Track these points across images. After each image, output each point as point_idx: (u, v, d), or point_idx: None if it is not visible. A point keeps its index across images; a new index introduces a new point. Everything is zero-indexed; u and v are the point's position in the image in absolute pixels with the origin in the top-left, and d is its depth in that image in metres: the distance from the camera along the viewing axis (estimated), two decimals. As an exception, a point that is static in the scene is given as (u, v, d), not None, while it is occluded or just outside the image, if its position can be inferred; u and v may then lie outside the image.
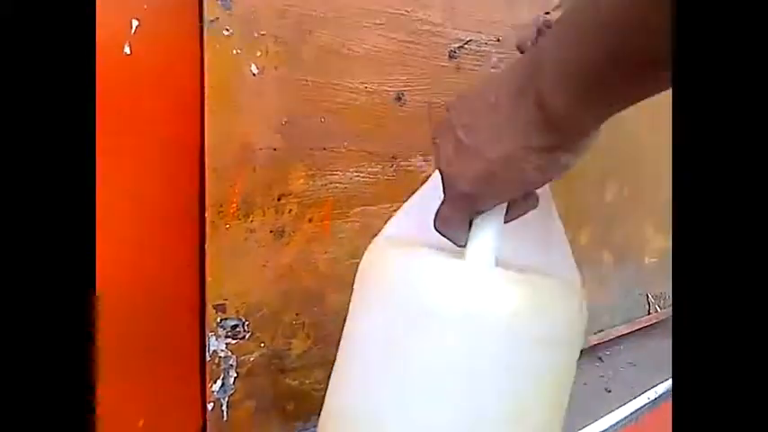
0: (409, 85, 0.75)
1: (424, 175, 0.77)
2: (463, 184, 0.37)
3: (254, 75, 0.61)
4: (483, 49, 0.82)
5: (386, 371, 0.40)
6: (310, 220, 0.67)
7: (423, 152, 0.77)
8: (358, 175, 0.71)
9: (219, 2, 0.57)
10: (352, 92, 0.69)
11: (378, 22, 0.70)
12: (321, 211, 0.68)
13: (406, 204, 0.49)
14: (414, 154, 0.77)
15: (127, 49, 0.54)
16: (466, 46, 0.80)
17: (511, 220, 0.40)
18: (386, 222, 0.50)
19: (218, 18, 0.57)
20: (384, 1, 0.71)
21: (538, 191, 0.40)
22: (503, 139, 0.34)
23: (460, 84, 0.79)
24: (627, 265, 1.18)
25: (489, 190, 0.37)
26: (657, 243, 1.23)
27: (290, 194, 0.65)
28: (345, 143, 0.70)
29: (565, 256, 0.44)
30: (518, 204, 0.40)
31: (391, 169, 0.75)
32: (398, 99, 0.75)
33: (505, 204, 0.39)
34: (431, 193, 0.43)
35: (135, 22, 0.54)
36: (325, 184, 0.68)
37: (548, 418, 0.40)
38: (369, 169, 0.72)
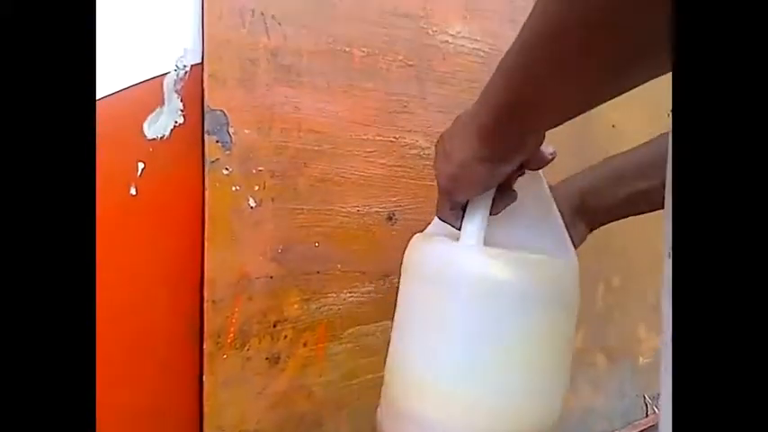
0: (400, 205, 0.79)
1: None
2: (442, 181, 0.48)
3: (251, 207, 0.64)
4: (469, 168, 0.86)
5: (417, 328, 0.52)
6: (305, 345, 0.68)
7: (414, 269, 0.80)
8: (351, 296, 0.73)
9: (220, 143, 0.61)
10: (345, 216, 0.73)
11: (368, 150, 0.75)
12: (315, 334, 0.69)
13: None
14: (405, 271, 0.79)
15: (133, 191, 0.58)
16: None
17: (496, 213, 0.50)
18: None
19: (218, 159, 0.61)
20: (373, 130, 0.75)
21: (534, 182, 0.51)
22: (462, 150, 0.45)
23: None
24: (621, 367, 1.18)
25: (457, 186, 0.47)
26: (651, 342, 1.24)
27: (285, 320, 0.67)
28: (339, 265, 0.72)
29: (558, 239, 0.52)
30: (498, 200, 0.49)
31: (384, 287, 0.77)
32: (390, 219, 0.78)
33: (491, 197, 0.49)
34: None
35: (141, 165, 0.58)
36: (319, 307, 0.70)
37: (537, 363, 0.49)
38: (362, 289, 0.74)
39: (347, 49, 0.71)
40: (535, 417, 0.50)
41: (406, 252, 0.55)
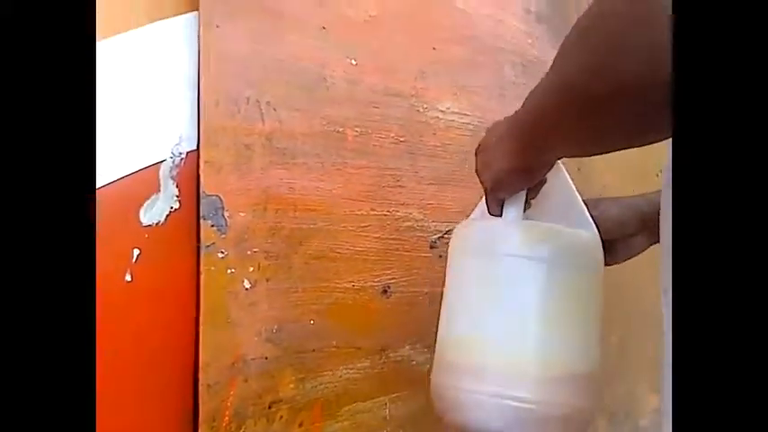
0: (394, 278, 0.79)
1: (413, 363, 0.80)
2: (487, 185, 0.59)
3: (246, 289, 0.65)
4: (462, 238, 0.87)
5: (466, 294, 0.61)
6: (300, 425, 0.68)
7: (411, 341, 0.80)
8: (347, 372, 0.73)
9: (215, 227, 0.62)
10: (340, 292, 0.73)
11: (363, 224, 0.76)
12: (311, 413, 0.69)
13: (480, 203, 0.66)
14: (402, 344, 0.79)
15: (128, 277, 0.58)
16: (445, 235, 0.86)
17: (533, 198, 0.60)
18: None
19: (214, 243, 0.62)
20: (367, 205, 0.77)
21: (558, 180, 0.61)
22: (500, 161, 0.56)
23: (443, 269, 0.83)
24: (622, 430, 1.16)
25: (499, 187, 0.58)
26: (652, 404, 1.23)
27: (281, 401, 0.66)
28: (334, 342, 0.72)
29: (581, 218, 0.61)
30: (531, 191, 0.60)
31: (380, 362, 0.77)
32: (385, 292, 0.78)
33: (524, 192, 0.59)
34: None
35: (136, 251, 0.59)
36: (315, 386, 0.70)
37: (569, 320, 0.58)
38: (358, 365, 0.74)
39: (340, 130, 0.73)
40: (573, 361, 0.57)
41: (454, 234, 0.65)
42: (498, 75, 0.92)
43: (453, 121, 0.86)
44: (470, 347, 0.58)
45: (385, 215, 0.79)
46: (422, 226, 0.83)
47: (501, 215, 0.60)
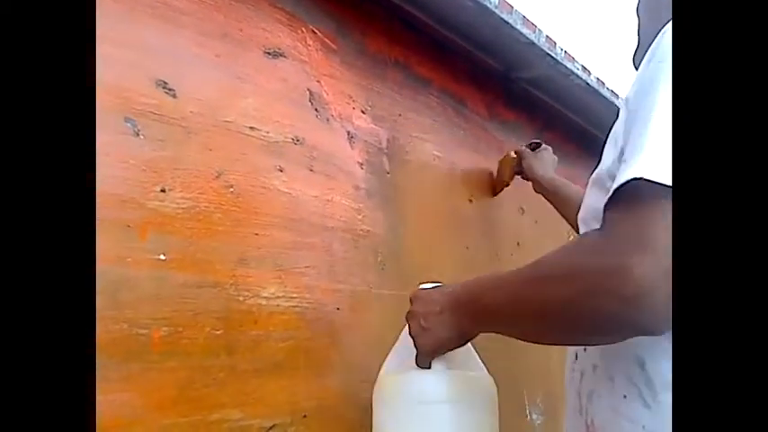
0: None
1: None
2: (427, 348, 0.70)
3: None
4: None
5: None
6: None
7: None
8: None
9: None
10: None
11: (169, 435, 0.68)
12: None
13: (392, 351, 0.78)
14: None
15: None
16: (270, 431, 0.79)
17: None
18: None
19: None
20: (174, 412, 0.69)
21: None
22: (444, 329, 0.68)
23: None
24: None
25: (437, 350, 0.70)
26: None
27: None
28: None
29: (478, 365, 0.77)
30: None
31: None
32: None
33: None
34: (404, 342, 0.75)
35: None
36: None
37: None
38: None
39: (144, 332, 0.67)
40: None
41: (377, 386, 0.76)
42: (327, 253, 0.92)
43: (278, 305, 0.83)
44: None
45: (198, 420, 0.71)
46: (242, 426, 0.76)
47: (429, 368, 0.71)
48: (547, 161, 1.31)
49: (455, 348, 0.70)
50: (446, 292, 0.69)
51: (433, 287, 0.74)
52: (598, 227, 0.61)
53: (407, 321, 0.72)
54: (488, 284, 0.66)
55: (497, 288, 0.63)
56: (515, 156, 1.33)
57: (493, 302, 0.63)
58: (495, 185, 1.37)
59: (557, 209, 1.25)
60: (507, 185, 1.35)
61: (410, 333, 0.71)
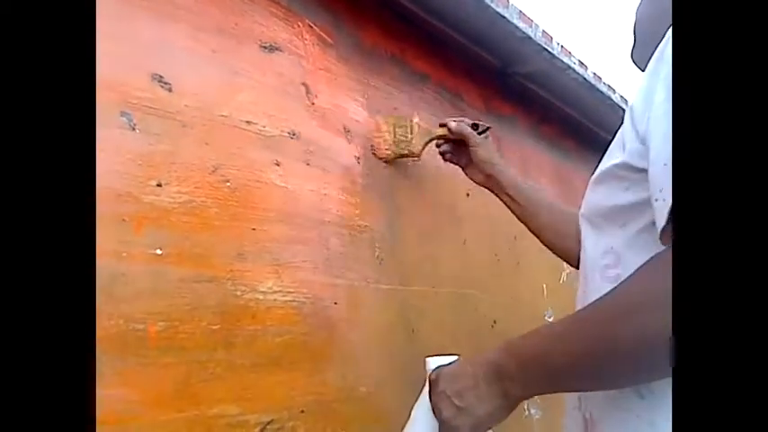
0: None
1: None
2: (464, 429, 0.62)
3: None
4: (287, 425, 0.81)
5: None
6: None
7: None
8: None
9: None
10: None
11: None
12: None
13: (409, 421, 0.70)
14: None
15: None
16: (268, 426, 0.79)
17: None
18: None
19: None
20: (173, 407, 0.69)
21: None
22: (483, 405, 0.61)
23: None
24: None
25: (480, 430, 0.62)
26: None
27: None
28: None
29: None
30: None
31: None
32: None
33: None
34: (424, 414, 0.67)
35: None
36: None
37: None
38: None
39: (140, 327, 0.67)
40: None
41: None
42: (324, 247, 0.91)
43: (276, 300, 0.82)
44: None
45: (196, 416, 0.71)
46: (240, 421, 0.76)
47: None
48: (492, 147, 1.06)
49: (495, 425, 0.63)
50: (478, 362, 0.62)
51: (449, 362, 0.67)
52: (606, 224, 0.61)
53: (435, 405, 0.64)
54: (540, 341, 0.59)
55: (558, 341, 0.57)
56: (446, 132, 1.06)
57: (560, 359, 0.56)
58: (390, 150, 1.05)
59: (508, 203, 1.02)
60: (417, 159, 1.09)
61: (440, 417, 0.63)
